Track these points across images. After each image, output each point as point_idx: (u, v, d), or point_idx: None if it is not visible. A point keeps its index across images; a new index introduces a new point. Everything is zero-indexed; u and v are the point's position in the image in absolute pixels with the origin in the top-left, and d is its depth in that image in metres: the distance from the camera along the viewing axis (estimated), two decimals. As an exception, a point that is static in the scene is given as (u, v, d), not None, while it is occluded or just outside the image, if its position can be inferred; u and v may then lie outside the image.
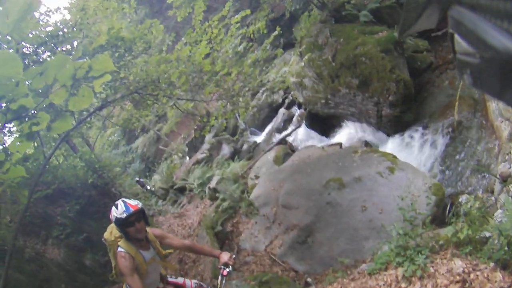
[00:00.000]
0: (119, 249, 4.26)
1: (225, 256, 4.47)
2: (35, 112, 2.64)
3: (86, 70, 2.53)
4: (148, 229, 4.48)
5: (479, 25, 0.64)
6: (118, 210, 4.15)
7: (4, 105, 2.55)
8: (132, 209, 4.18)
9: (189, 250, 5.17)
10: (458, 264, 4.56)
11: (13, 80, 2.35)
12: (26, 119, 2.65)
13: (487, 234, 4.85)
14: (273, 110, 18.73)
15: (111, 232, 4.53)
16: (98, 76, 2.62)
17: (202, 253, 5.40)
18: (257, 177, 11.75)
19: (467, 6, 0.69)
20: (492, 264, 4.37)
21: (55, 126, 2.83)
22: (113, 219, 4.16)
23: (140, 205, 4.30)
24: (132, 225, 4.20)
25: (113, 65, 2.63)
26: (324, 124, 14.09)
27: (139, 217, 4.26)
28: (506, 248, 4.35)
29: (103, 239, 4.63)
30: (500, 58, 0.58)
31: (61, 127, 2.87)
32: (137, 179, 19.96)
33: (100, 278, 9.32)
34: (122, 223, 4.16)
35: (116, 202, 4.26)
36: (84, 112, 10.39)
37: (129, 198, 4.40)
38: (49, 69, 2.43)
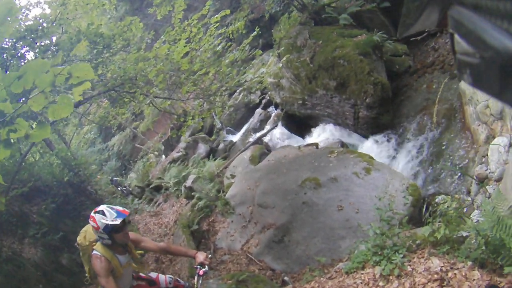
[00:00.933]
0: (94, 252, 4.24)
1: (200, 256, 4.46)
2: (14, 117, 2.61)
3: (66, 77, 2.52)
4: None
5: (479, 25, 0.65)
6: (108, 217, 4.10)
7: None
8: (125, 214, 4.18)
9: (165, 252, 5.16)
10: (436, 263, 4.66)
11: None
12: (4, 125, 2.62)
13: (464, 233, 4.95)
14: (250, 110, 18.78)
15: (85, 237, 4.53)
16: (77, 83, 2.60)
17: (177, 254, 5.39)
18: (233, 176, 11.78)
19: (467, 6, 0.69)
20: (469, 263, 4.46)
21: (33, 134, 2.79)
22: (102, 226, 4.08)
23: (127, 210, 4.31)
24: (121, 230, 4.19)
25: (93, 73, 2.60)
26: (300, 124, 14.19)
27: (127, 222, 4.28)
28: (483, 247, 4.45)
29: (76, 244, 4.63)
30: (500, 58, 0.59)
31: (39, 135, 2.82)
32: (111, 178, 19.64)
33: (77, 278, 9.20)
34: (112, 229, 4.12)
35: (100, 209, 4.19)
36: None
37: (112, 204, 4.37)
38: (27, 73, 2.39)
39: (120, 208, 4.27)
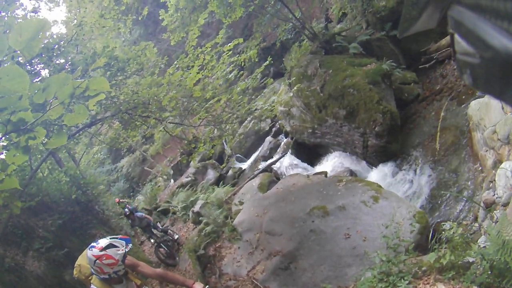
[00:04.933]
0: (92, 286, 4.20)
1: (198, 287, 4.39)
2: (34, 126, 2.71)
3: (83, 89, 2.63)
4: None
5: (479, 25, 0.65)
6: (120, 246, 4.08)
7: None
8: (129, 239, 4.21)
9: (161, 278, 4.98)
10: (441, 289, 4.65)
11: (17, 94, 2.45)
12: (24, 133, 2.72)
13: (470, 259, 4.95)
14: (260, 138, 18.84)
15: (80, 271, 4.53)
16: (93, 95, 2.72)
17: (174, 282, 5.18)
18: (241, 203, 11.79)
19: (467, 6, 0.69)
20: (475, 287, 4.45)
21: (50, 141, 2.90)
22: (121, 258, 4.04)
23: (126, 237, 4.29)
24: (126, 256, 4.18)
25: (108, 85, 2.73)
26: (310, 153, 14.21)
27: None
28: (489, 272, 4.45)
29: (74, 277, 4.65)
30: (500, 58, 0.59)
31: (56, 142, 2.93)
32: (128, 209, 11.74)
33: (80, 295, 9.23)
34: (126, 257, 4.15)
35: (107, 244, 4.06)
36: (73, 128, 10.41)
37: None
38: (50, 86, 2.52)
39: (119, 236, 4.25)
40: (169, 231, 12.57)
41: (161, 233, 12.08)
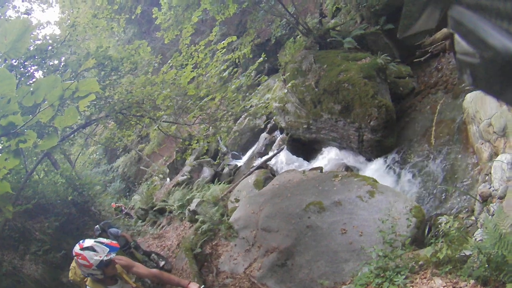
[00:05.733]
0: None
1: (193, 287, 4.38)
2: (24, 129, 2.70)
3: (73, 91, 2.62)
4: None
5: (479, 25, 0.66)
6: (100, 252, 4.02)
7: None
8: (117, 248, 4.14)
9: (156, 279, 4.91)
10: (438, 283, 4.64)
11: (5, 97, 2.43)
12: (14, 136, 2.70)
13: (467, 252, 4.94)
14: (255, 134, 18.86)
15: (75, 273, 4.54)
16: (83, 96, 2.70)
17: (169, 282, 5.17)
18: (237, 200, 11.78)
19: (467, 6, 0.70)
20: (472, 281, 4.44)
21: (41, 144, 2.89)
22: (96, 263, 3.99)
23: (115, 241, 4.28)
24: (111, 263, 4.16)
25: (98, 86, 2.72)
26: (305, 148, 14.21)
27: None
28: (486, 265, 4.43)
29: (70, 279, 4.63)
30: (500, 58, 0.60)
31: (47, 144, 2.92)
32: (99, 226, 9.16)
33: (78, 297, 9.20)
34: (106, 265, 4.07)
35: (88, 245, 4.07)
36: (68, 129, 10.38)
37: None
38: (40, 89, 2.50)
39: (107, 241, 4.20)
40: (153, 255, 10.37)
41: (142, 256, 9.67)
